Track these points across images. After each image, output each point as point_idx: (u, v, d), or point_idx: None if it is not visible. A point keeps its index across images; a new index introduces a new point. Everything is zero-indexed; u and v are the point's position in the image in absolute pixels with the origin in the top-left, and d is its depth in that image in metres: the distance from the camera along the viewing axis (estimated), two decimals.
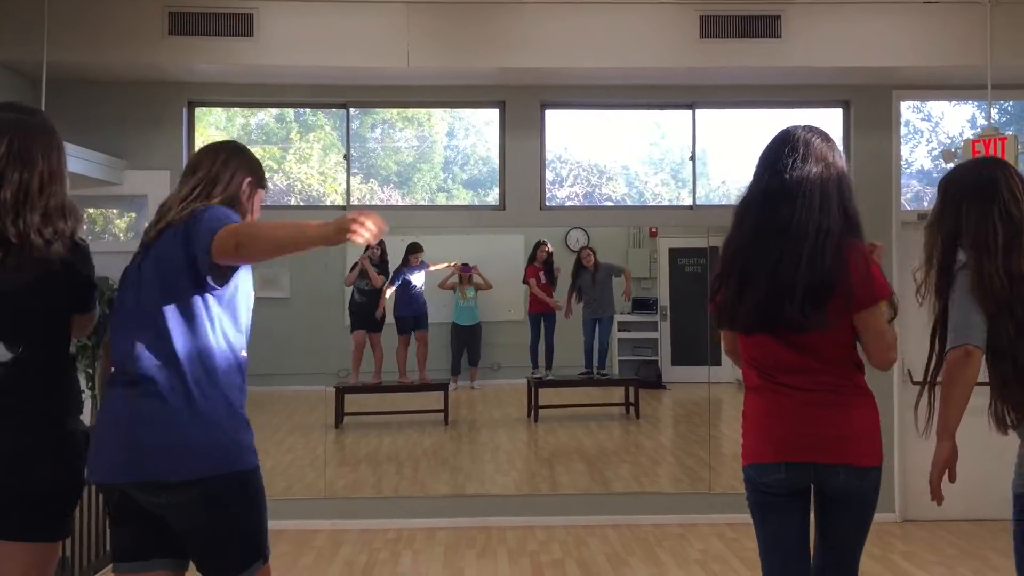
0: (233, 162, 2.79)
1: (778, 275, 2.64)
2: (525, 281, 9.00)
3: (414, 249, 8.64)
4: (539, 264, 9.00)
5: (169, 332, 2.57)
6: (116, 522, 2.65)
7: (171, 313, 2.58)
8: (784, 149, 2.76)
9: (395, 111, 8.36)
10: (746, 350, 2.81)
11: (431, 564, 5.90)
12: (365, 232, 2.33)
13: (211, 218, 2.56)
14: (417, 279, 8.72)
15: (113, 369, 2.66)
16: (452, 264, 9.25)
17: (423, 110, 8.16)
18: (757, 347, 2.75)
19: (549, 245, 8.96)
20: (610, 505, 6.86)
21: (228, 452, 2.56)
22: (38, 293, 2.62)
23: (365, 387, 8.56)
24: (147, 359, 2.56)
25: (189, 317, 2.59)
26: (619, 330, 9.36)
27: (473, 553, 6.13)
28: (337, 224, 2.35)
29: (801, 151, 2.74)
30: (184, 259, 2.57)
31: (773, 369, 2.73)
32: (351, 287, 8.61)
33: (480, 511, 6.81)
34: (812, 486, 2.75)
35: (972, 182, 2.89)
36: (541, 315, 9.02)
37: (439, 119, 9.33)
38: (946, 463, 2.79)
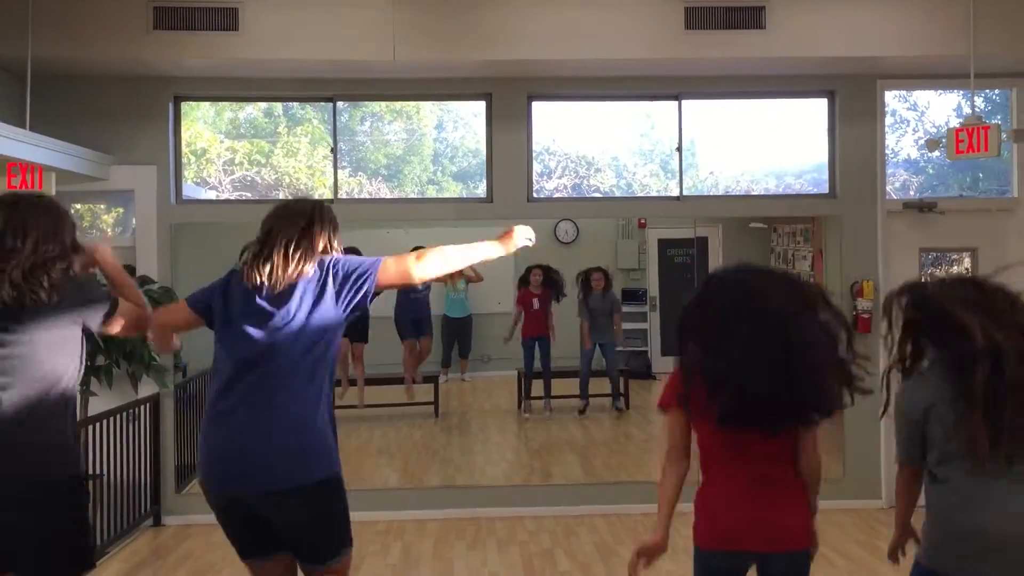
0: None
1: None
2: (517, 304, 8.96)
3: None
4: (534, 289, 8.96)
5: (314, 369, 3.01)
6: (227, 530, 3.07)
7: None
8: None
9: (384, 104, 8.35)
10: None
11: (421, 555, 5.93)
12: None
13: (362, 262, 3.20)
14: (421, 287, 8.69)
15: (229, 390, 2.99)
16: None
17: (412, 103, 8.15)
18: None
19: (540, 272, 8.93)
20: (599, 495, 6.89)
21: (333, 457, 3.00)
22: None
23: (354, 381, 8.57)
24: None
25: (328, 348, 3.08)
26: None
27: (463, 544, 6.16)
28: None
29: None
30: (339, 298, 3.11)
31: None
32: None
33: (470, 502, 6.83)
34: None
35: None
36: (535, 339, 8.96)
37: (428, 112, 9.31)
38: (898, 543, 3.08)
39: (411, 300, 8.69)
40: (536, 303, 8.98)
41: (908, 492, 2.92)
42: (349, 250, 8.37)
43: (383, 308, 8.65)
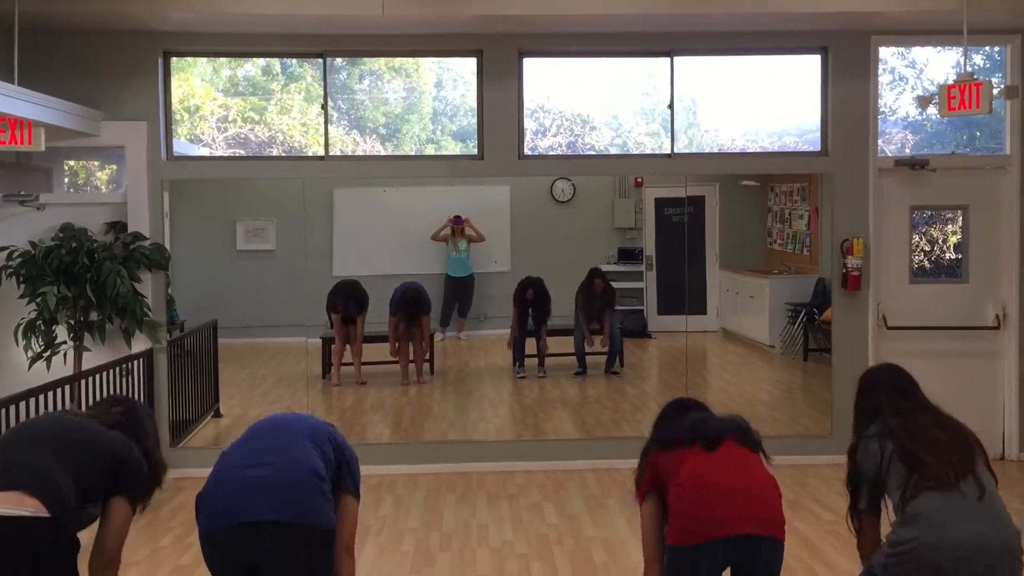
0: None
1: None
2: (515, 307, 8.95)
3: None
4: (528, 299, 8.94)
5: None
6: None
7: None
8: None
9: (383, 62, 8.31)
10: None
11: (411, 508, 6.01)
12: None
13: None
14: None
15: None
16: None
17: (411, 60, 8.11)
18: None
19: (533, 292, 8.89)
20: (590, 450, 6.97)
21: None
22: None
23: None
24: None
25: None
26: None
27: (453, 497, 6.24)
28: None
29: None
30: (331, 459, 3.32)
31: None
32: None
33: (462, 457, 6.92)
34: None
35: None
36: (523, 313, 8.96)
37: (427, 70, 9.25)
38: None
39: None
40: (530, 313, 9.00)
41: (875, 537, 3.27)
42: None
43: (376, 267, 8.69)
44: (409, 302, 8.63)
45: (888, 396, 3.30)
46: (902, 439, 3.09)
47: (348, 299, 8.46)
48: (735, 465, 3.10)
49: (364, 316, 8.55)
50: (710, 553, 2.94)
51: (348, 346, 8.61)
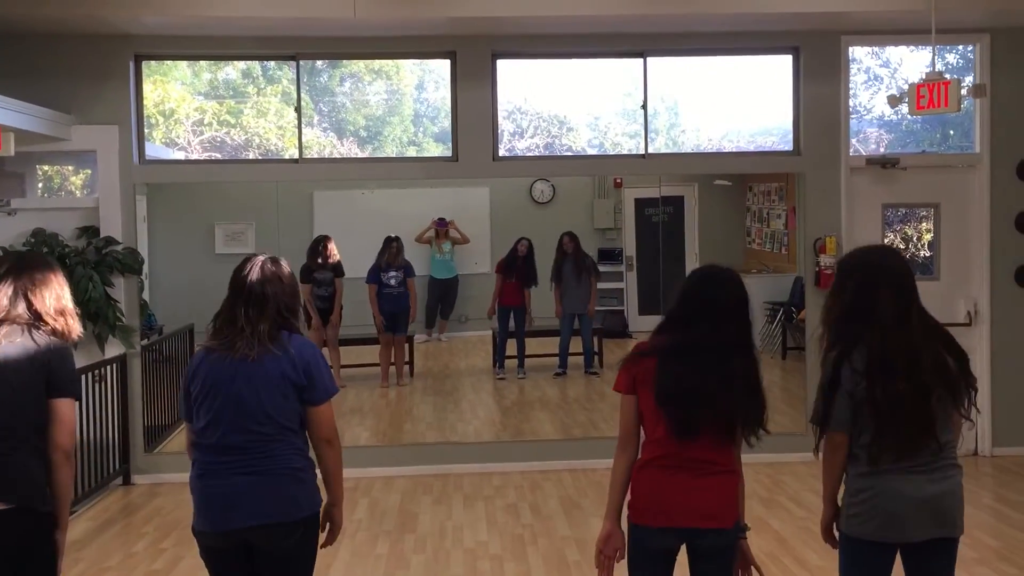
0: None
1: None
2: (496, 272, 8.95)
3: (390, 242, 8.60)
4: (520, 263, 8.93)
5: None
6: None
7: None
8: None
9: (363, 64, 8.31)
10: None
11: (387, 510, 6.00)
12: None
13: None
14: (394, 278, 8.66)
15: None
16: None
17: (391, 62, 8.12)
18: None
19: (526, 244, 8.89)
20: (567, 450, 6.98)
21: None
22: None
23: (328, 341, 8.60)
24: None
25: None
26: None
27: (429, 499, 6.24)
28: (338, 517, 3.21)
29: None
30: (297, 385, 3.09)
31: None
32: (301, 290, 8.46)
33: (439, 459, 6.92)
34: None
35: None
36: (510, 309, 8.95)
37: (408, 72, 9.26)
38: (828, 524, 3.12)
39: (383, 288, 8.65)
40: (515, 275, 8.97)
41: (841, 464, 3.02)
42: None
43: (357, 270, 8.67)
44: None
45: (889, 302, 2.91)
46: (876, 396, 2.85)
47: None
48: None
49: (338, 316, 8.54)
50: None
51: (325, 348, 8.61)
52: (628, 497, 2.99)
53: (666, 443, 2.89)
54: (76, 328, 3.06)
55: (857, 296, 2.94)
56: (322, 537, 3.18)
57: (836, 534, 3.06)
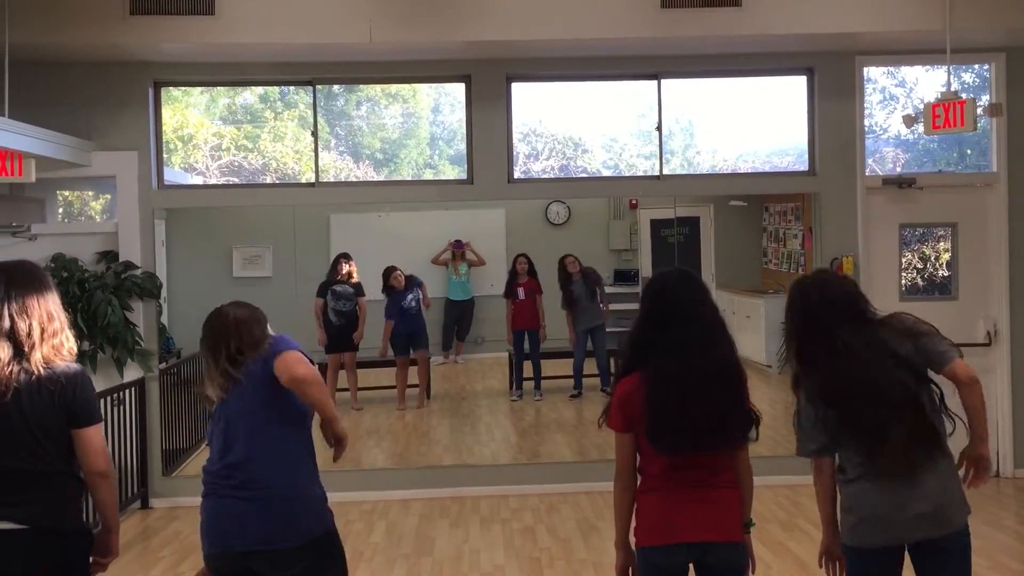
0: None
1: None
2: (504, 297, 8.99)
3: (390, 272, 8.63)
4: (520, 278, 8.95)
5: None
6: None
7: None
8: None
9: (379, 88, 8.38)
10: None
11: (404, 533, 5.99)
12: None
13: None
14: (410, 300, 8.68)
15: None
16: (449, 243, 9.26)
17: (407, 86, 8.18)
18: None
19: (524, 261, 8.91)
20: (584, 473, 6.94)
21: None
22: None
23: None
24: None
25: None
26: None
27: (446, 522, 6.22)
28: (340, 430, 3.10)
29: None
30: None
31: None
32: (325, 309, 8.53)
33: (456, 482, 6.90)
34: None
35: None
36: (524, 332, 8.96)
37: (424, 95, 9.32)
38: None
39: (405, 314, 8.66)
40: (521, 292, 8.97)
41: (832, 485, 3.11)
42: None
43: (372, 292, 8.69)
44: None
45: (836, 328, 2.96)
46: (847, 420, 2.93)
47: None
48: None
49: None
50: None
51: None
52: (633, 523, 3.01)
53: (666, 469, 2.93)
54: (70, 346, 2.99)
55: (805, 329, 3.03)
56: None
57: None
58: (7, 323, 2.86)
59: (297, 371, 2.99)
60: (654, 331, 2.95)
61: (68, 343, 2.96)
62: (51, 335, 2.90)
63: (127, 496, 6.48)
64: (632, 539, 3.01)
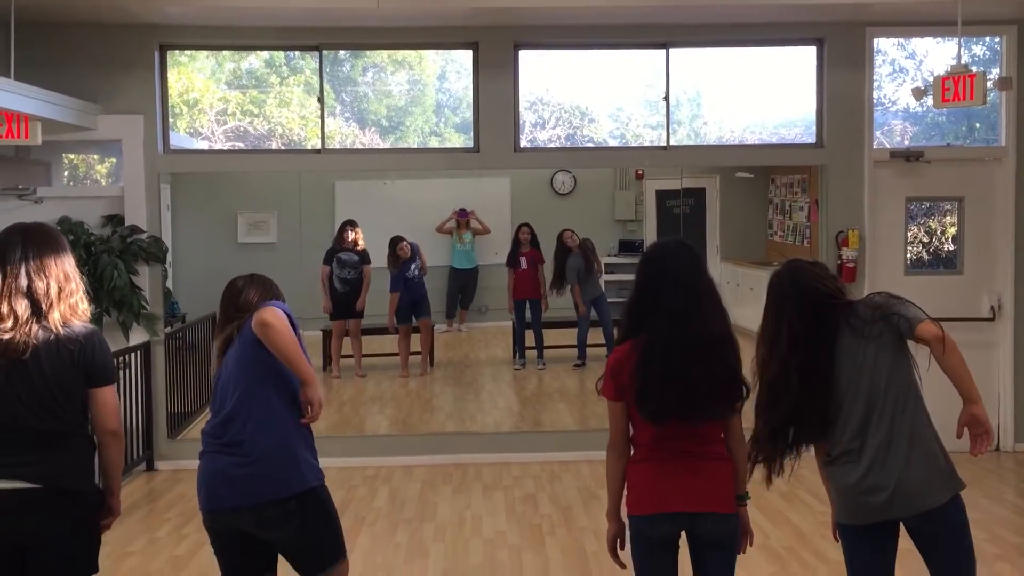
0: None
1: None
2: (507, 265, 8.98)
3: (397, 242, 8.63)
4: (522, 248, 8.93)
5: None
6: (228, 551, 3.22)
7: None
8: None
9: (386, 54, 8.34)
10: None
11: (407, 499, 6.05)
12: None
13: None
14: (413, 269, 8.69)
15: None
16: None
17: (413, 52, 8.14)
18: None
19: (527, 230, 8.89)
20: (586, 441, 6.98)
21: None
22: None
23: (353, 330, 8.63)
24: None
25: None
26: (605, 272, 9.41)
27: (449, 488, 6.28)
28: (312, 395, 3.17)
29: None
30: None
31: None
32: (329, 274, 8.54)
33: (458, 449, 6.95)
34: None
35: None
36: (526, 301, 8.96)
37: (431, 62, 9.26)
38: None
39: (408, 283, 8.67)
40: (523, 262, 8.97)
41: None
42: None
43: (378, 260, 8.70)
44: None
45: (799, 326, 2.97)
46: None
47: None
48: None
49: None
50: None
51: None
52: (625, 493, 3.03)
53: (655, 439, 2.94)
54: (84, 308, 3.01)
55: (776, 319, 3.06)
56: None
57: None
58: (25, 282, 2.88)
59: (262, 316, 3.05)
60: (648, 300, 2.96)
61: (83, 304, 2.98)
62: (68, 295, 2.92)
63: (133, 458, 6.54)
64: (624, 509, 3.04)
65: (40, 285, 2.88)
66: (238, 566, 3.18)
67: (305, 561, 3.22)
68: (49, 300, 2.88)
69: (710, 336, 2.91)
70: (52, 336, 2.87)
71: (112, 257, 6.35)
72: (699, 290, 2.96)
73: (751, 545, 3.12)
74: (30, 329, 2.85)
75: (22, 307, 2.86)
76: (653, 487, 2.94)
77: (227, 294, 3.27)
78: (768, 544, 5.00)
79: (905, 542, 3.01)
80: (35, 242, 2.94)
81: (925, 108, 7.86)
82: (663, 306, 2.91)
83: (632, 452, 3.02)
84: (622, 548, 3.07)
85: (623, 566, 3.12)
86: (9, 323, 2.83)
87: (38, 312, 2.87)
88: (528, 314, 8.91)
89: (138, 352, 6.59)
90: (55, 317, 2.88)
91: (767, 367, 3.02)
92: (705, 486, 2.93)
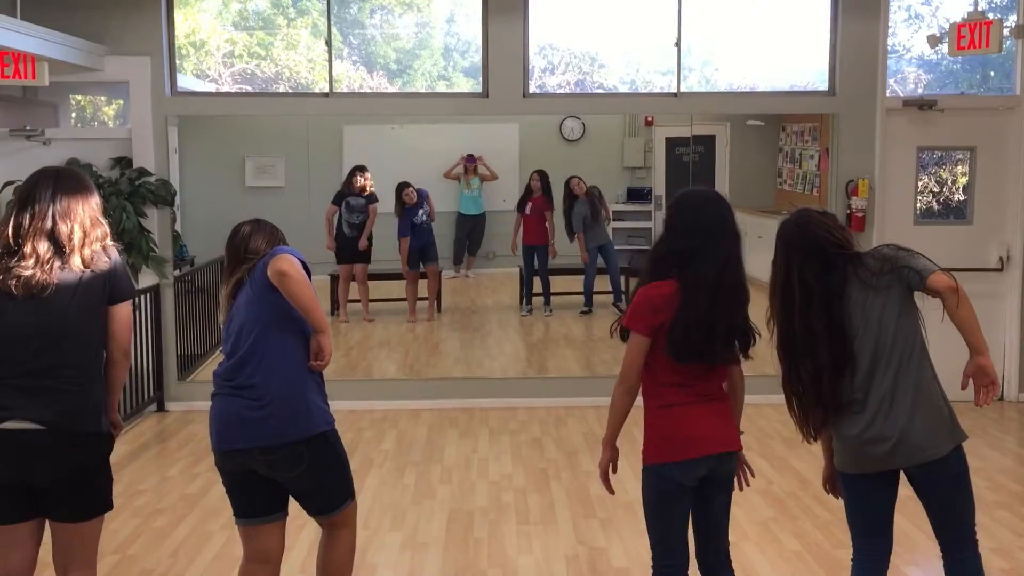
0: None
1: None
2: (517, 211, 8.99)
3: (403, 188, 8.60)
4: (534, 195, 8.91)
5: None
6: (240, 490, 3.23)
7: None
8: None
9: None
10: None
11: (414, 442, 6.12)
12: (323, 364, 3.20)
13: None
14: (421, 215, 8.68)
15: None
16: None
17: None
18: None
19: (537, 177, 8.86)
20: (592, 387, 7.02)
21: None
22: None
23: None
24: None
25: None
26: (613, 219, 9.41)
27: (455, 432, 6.34)
28: (324, 343, 3.17)
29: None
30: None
31: None
32: (336, 218, 8.54)
33: (465, 393, 7.00)
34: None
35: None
36: (533, 248, 8.95)
37: (439, 4, 9.17)
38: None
39: (416, 229, 8.67)
40: (529, 208, 8.96)
41: None
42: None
43: (386, 205, 8.70)
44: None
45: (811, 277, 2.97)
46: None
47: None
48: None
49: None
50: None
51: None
52: (645, 443, 3.04)
53: (677, 383, 2.97)
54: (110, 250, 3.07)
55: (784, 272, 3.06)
56: None
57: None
58: (49, 224, 2.93)
59: (279, 265, 3.06)
60: (683, 242, 2.98)
61: (110, 243, 3.05)
62: (92, 241, 2.97)
63: (144, 399, 6.62)
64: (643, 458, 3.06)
65: (63, 229, 2.93)
66: (249, 505, 3.23)
67: (314, 502, 3.28)
68: (72, 244, 2.93)
69: (740, 282, 3.00)
70: (76, 277, 2.92)
71: (121, 200, 6.36)
72: (734, 237, 3.02)
73: (754, 477, 3.21)
74: (51, 268, 2.90)
75: (44, 247, 2.90)
76: (691, 431, 2.97)
77: (233, 240, 3.29)
78: (770, 489, 5.07)
79: (905, 489, 3.05)
80: (65, 187, 2.99)
81: (940, 56, 7.76)
82: (707, 249, 2.95)
83: (651, 398, 3.03)
84: (614, 472, 3.12)
85: (613, 492, 3.17)
86: (31, 261, 2.88)
87: (60, 254, 2.92)
88: (536, 262, 8.94)
89: (148, 295, 6.63)
90: (76, 261, 2.92)
91: (782, 319, 3.03)
92: (728, 426, 3.04)
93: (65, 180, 3.02)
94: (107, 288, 2.98)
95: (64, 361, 2.91)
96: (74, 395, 2.93)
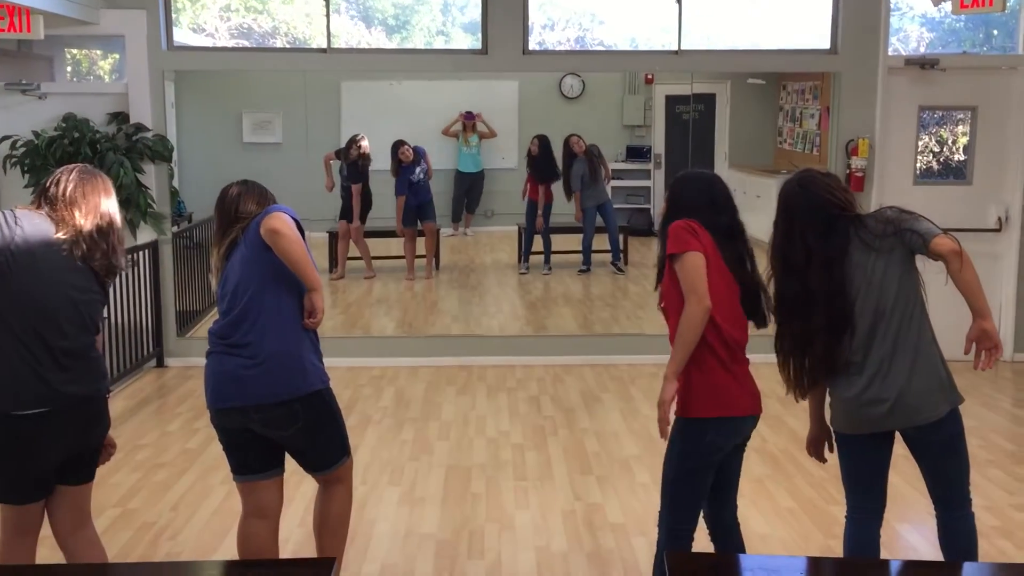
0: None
1: None
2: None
3: (398, 146, 8.55)
4: (534, 155, 8.87)
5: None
6: (236, 447, 3.27)
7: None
8: None
9: None
10: None
11: (412, 399, 6.16)
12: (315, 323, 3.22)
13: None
14: (418, 172, 8.64)
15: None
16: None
17: None
18: None
19: (537, 142, 8.82)
20: (589, 346, 7.07)
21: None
22: None
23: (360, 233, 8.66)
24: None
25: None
26: (612, 178, 9.37)
27: (453, 389, 6.38)
28: (316, 301, 3.18)
29: None
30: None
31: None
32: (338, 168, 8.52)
33: (463, 351, 7.03)
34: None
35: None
36: (537, 204, 8.93)
37: None
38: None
39: (413, 186, 8.64)
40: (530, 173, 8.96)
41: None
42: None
43: (382, 163, 8.67)
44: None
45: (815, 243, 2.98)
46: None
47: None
48: None
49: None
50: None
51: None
52: (695, 396, 2.98)
53: (726, 342, 2.97)
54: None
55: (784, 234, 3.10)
56: None
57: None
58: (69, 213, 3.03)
59: (272, 223, 3.06)
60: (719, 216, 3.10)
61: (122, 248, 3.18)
62: (105, 237, 3.06)
63: (143, 355, 6.64)
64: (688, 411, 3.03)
65: (81, 220, 3.02)
66: (246, 462, 3.26)
67: (310, 459, 3.31)
68: (86, 236, 3.02)
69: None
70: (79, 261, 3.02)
71: (118, 155, 6.32)
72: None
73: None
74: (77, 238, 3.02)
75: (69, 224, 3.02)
76: (743, 389, 3.01)
77: (223, 202, 3.29)
78: (765, 447, 5.12)
79: (900, 447, 3.08)
80: (88, 183, 3.07)
81: (943, 14, 7.69)
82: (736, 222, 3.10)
83: (709, 353, 2.97)
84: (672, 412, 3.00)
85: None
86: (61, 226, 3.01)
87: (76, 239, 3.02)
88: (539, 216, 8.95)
89: (146, 251, 6.62)
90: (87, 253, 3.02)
91: (783, 280, 3.03)
92: (756, 387, 3.08)
93: (88, 176, 3.13)
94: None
95: (77, 342, 3.05)
96: (100, 363, 3.12)
